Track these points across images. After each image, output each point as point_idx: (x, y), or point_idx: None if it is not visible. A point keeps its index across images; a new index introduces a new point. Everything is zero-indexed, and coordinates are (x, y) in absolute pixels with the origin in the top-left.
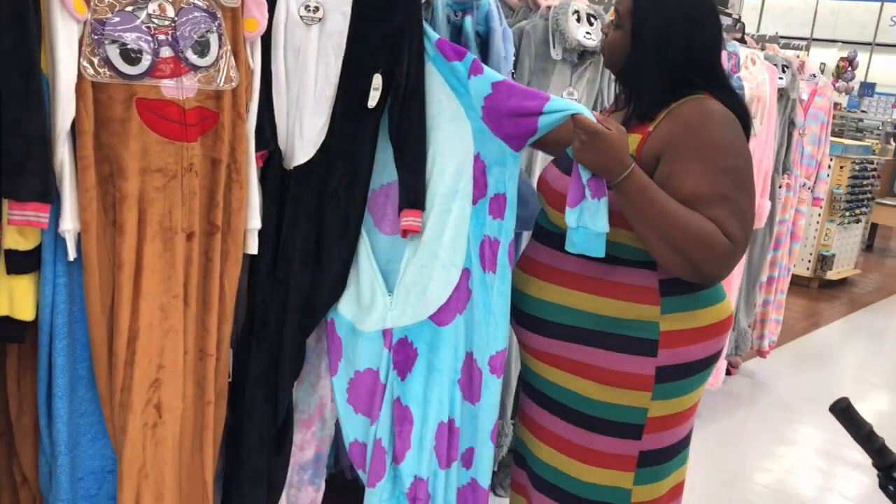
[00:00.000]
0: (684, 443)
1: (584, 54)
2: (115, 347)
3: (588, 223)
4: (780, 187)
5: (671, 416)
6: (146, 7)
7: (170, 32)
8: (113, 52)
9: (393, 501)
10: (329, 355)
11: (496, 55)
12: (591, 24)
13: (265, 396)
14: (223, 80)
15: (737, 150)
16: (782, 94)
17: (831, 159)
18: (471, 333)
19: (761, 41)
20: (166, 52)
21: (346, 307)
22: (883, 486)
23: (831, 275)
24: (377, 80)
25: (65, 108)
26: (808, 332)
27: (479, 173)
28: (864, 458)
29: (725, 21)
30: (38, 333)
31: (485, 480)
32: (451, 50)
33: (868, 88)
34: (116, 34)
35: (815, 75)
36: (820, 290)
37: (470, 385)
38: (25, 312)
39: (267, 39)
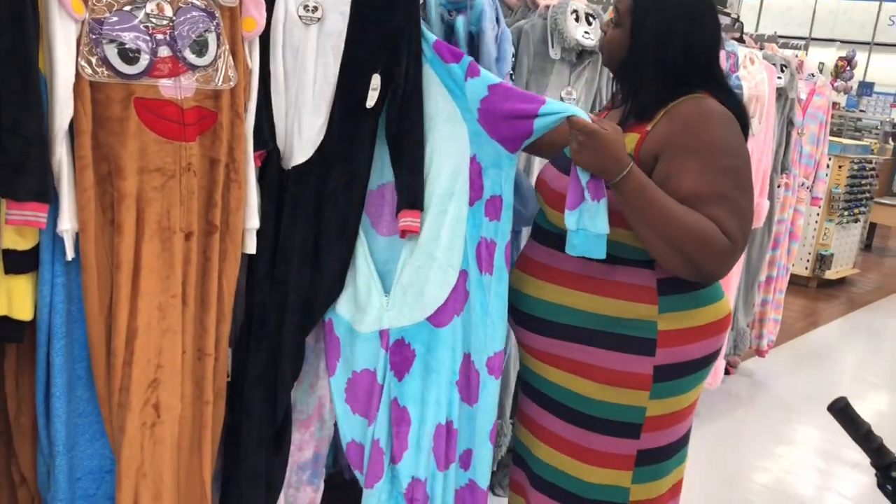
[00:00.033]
0: (683, 442)
1: (582, 54)
2: (114, 347)
3: (588, 225)
4: (778, 187)
5: (669, 414)
6: (144, 6)
7: (168, 32)
8: (111, 52)
9: (391, 502)
10: (326, 355)
11: (487, 56)
12: (589, 24)
13: (264, 396)
14: (221, 79)
15: (735, 149)
16: (781, 93)
17: (830, 159)
18: (468, 335)
19: (760, 40)
20: (164, 51)
21: (343, 307)
22: (881, 486)
23: (830, 274)
24: (376, 80)
25: (63, 108)
26: (806, 332)
27: (475, 175)
28: (862, 458)
29: (724, 20)
30: (36, 333)
31: (483, 481)
32: (448, 52)
33: (866, 88)
34: (114, 34)
35: (813, 75)
36: (818, 290)
37: (468, 386)
38: (24, 312)
39: (265, 39)
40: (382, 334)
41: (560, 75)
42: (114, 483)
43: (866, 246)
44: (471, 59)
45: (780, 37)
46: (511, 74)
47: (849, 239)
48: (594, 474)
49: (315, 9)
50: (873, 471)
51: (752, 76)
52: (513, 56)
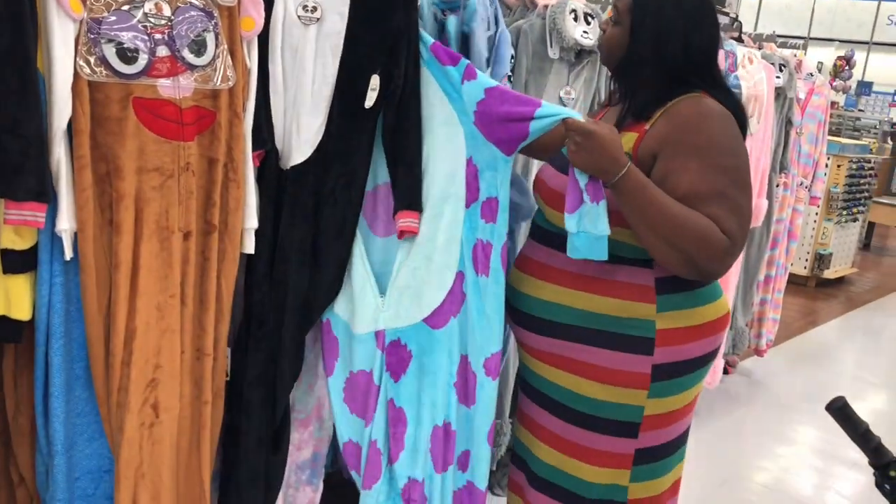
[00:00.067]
0: (681, 440)
1: (581, 53)
2: (112, 347)
3: (588, 227)
4: (777, 186)
5: (667, 414)
6: (142, 6)
7: (166, 31)
8: (109, 52)
9: (389, 503)
10: (324, 355)
11: (477, 56)
12: (588, 24)
13: (262, 396)
14: (220, 79)
15: (734, 148)
16: (779, 93)
17: (828, 158)
18: (465, 336)
19: (759, 40)
20: (163, 51)
21: (341, 308)
22: (879, 485)
23: (828, 273)
24: (375, 80)
25: (61, 108)
26: (805, 331)
27: (471, 177)
28: (861, 457)
29: (723, 20)
30: (34, 333)
31: (481, 483)
32: (445, 54)
33: (865, 87)
34: (113, 33)
35: (812, 74)
36: (817, 289)
37: (465, 388)
38: (22, 312)
39: (264, 39)
40: (378, 335)
41: (559, 75)
42: (112, 483)
43: (865, 245)
44: (468, 61)
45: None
46: (510, 77)
47: (847, 238)
48: (593, 473)
49: (314, 9)
50: (871, 470)
51: (751, 75)
52: (512, 59)
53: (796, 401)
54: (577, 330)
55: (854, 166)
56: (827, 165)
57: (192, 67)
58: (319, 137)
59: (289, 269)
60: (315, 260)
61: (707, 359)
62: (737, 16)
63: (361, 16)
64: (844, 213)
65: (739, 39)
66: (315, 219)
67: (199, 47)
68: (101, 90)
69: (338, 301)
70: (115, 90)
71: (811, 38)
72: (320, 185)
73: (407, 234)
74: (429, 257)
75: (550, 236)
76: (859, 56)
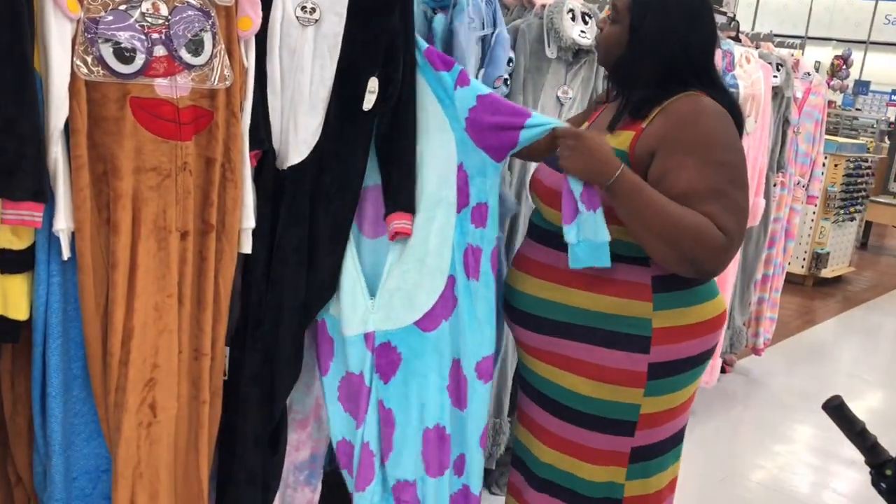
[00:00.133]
0: (677, 439)
1: (578, 53)
2: (110, 347)
3: (588, 236)
4: (774, 185)
5: (664, 412)
6: (140, 6)
7: (163, 31)
8: (106, 51)
9: None
10: (320, 356)
11: (460, 54)
12: (585, 23)
13: (260, 396)
14: (217, 78)
15: (730, 144)
16: (777, 92)
17: (826, 157)
18: (457, 340)
19: (756, 39)
20: (160, 50)
21: (336, 309)
22: (875, 484)
23: (826, 273)
24: (373, 83)
25: (58, 107)
26: (802, 330)
27: (461, 183)
28: (858, 456)
29: (720, 19)
30: (32, 333)
31: (476, 487)
32: (438, 59)
33: (862, 86)
34: (110, 33)
35: (809, 73)
36: (814, 288)
37: (458, 391)
38: (19, 312)
39: (262, 39)
40: (367, 337)
41: (556, 74)
42: (110, 482)
43: (862, 244)
44: (461, 67)
45: (777, 35)
46: (507, 80)
47: (845, 237)
48: (590, 471)
49: (313, 10)
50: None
51: (749, 75)
52: (511, 63)
53: (794, 399)
54: (574, 328)
55: (851, 165)
56: (824, 164)
57: (189, 67)
58: (317, 138)
59: (286, 269)
60: (312, 260)
61: (703, 357)
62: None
63: (359, 18)
64: (842, 212)
65: (737, 39)
66: (312, 219)
67: (196, 47)
68: (98, 90)
69: (332, 302)
70: (112, 90)
71: (808, 38)
72: (317, 186)
73: (400, 236)
74: (421, 261)
75: (547, 235)
76: (857, 55)
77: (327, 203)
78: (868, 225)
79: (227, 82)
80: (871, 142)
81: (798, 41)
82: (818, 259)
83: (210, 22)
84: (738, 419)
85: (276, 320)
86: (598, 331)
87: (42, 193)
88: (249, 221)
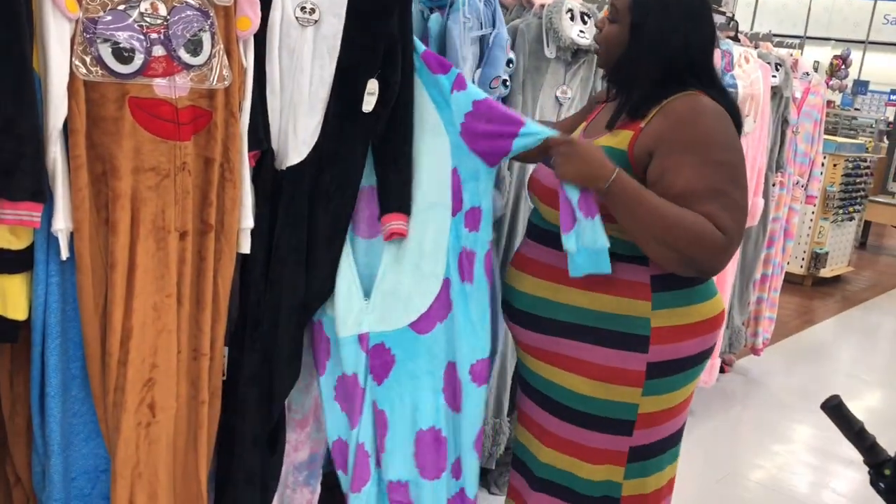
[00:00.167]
0: (675, 438)
1: (577, 53)
2: (109, 346)
3: (588, 243)
4: (773, 185)
5: (662, 412)
6: (138, 6)
7: (162, 31)
8: (105, 51)
9: None
10: (316, 355)
11: (452, 54)
12: (584, 23)
13: (258, 396)
14: (216, 78)
15: (728, 143)
16: (776, 92)
17: (825, 157)
18: (451, 342)
19: (755, 39)
20: (159, 50)
21: (331, 309)
22: (874, 484)
23: (825, 272)
24: (372, 84)
25: (57, 107)
26: (801, 330)
27: (456, 187)
28: (857, 456)
29: (719, 19)
30: (30, 333)
31: (471, 490)
32: (436, 62)
33: (861, 86)
34: (108, 33)
35: (808, 73)
36: (813, 288)
37: (453, 394)
38: (18, 312)
39: (261, 39)
40: (361, 338)
41: (555, 74)
42: (109, 482)
43: (861, 244)
44: (458, 70)
45: (775, 35)
46: (506, 81)
47: (843, 237)
48: (588, 471)
49: (312, 10)
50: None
51: (747, 75)
52: (511, 64)
53: (792, 399)
54: (573, 327)
55: (850, 165)
56: (823, 164)
57: (188, 67)
58: (316, 138)
59: (285, 269)
60: (310, 260)
61: (702, 357)
62: (733, 15)
63: (358, 19)
64: (841, 211)
65: (736, 39)
66: (310, 219)
67: (195, 47)
68: (97, 90)
69: (328, 302)
70: (111, 90)
71: (807, 38)
72: (315, 186)
73: (396, 236)
74: (416, 264)
75: (546, 234)
76: (855, 55)
77: (327, 202)
78: (867, 225)
79: (225, 82)
80: (870, 141)
81: (797, 41)
82: (817, 259)
83: (209, 22)
84: (737, 419)
85: (275, 320)
86: (596, 330)
87: (41, 193)
88: (248, 221)
